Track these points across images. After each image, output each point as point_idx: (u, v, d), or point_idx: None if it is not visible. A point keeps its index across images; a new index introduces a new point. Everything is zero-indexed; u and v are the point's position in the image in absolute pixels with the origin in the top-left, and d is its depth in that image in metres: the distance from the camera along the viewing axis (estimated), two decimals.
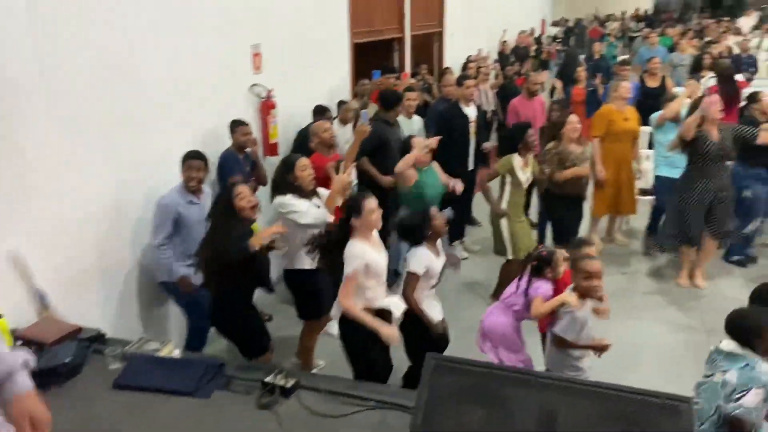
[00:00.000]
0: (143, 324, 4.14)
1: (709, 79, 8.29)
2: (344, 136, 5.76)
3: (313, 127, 4.89)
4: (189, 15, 4.42)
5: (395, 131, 5.46)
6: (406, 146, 4.67)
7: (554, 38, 19.77)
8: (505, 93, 8.80)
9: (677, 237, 5.32)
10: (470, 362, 2.22)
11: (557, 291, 3.44)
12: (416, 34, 9.51)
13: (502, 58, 12.55)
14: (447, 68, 9.34)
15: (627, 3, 24.01)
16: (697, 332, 4.69)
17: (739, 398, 2.50)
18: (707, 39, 13.71)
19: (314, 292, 3.98)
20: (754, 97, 5.74)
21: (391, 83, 6.95)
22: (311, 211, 3.79)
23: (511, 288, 3.60)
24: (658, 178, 6.01)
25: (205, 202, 3.98)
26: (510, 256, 4.91)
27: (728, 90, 7.14)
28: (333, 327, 4.55)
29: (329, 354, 4.22)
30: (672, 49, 11.66)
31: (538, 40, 16.98)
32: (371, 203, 3.27)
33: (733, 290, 5.26)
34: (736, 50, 11.31)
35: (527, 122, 5.31)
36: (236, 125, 4.68)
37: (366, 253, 3.22)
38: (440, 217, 3.63)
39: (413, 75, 8.19)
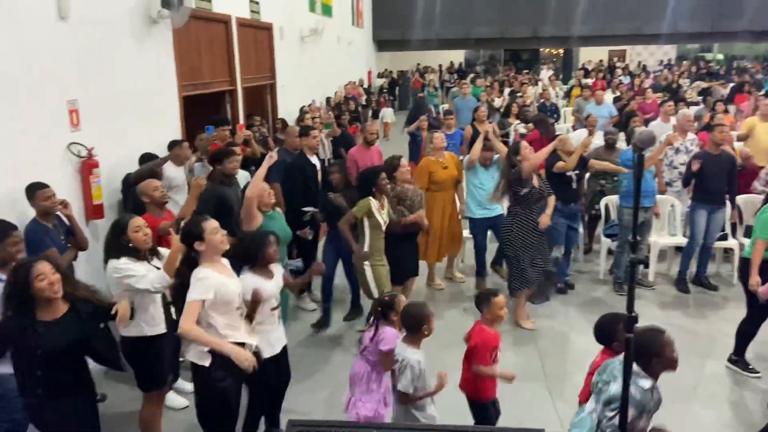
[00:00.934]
0: None
1: (517, 125, 9.26)
2: (179, 179, 5.52)
3: (141, 186, 4.51)
4: None
5: (234, 189, 5.27)
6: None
7: (381, 89, 20.86)
8: (341, 142, 9.05)
9: (520, 287, 5.54)
10: (329, 423, 2.19)
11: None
12: (248, 86, 9.47)
13: (335, 108, 12.93)
14: (282, 119, 9.40)
15: (442, 57, 26.15)
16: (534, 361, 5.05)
17: (613, 416, 2.59)
18: (511, 89, 15.35)
19: (154, 360, 3.68)
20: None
21: (226, 135, 6.81)
22: (150, 275, 3.52)
23: (368, 334, 3.62)
24: (471, 220, 6.37)
25: None
26: (374, 297, 4.93)
27: (546, 132, 8.06)
28: (174, 400, 4.27)
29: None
30: (480, 99, 12.81)
31: (367, 91, 17.78)
32: (212, 223, 3.16)
33: (560, 315, 5.80)
34: (532, 99, 12.76)
35: (380, 166, 5.48)
36: (33, 190, 4.11)
37: (212, 277, 3.09)
38: (275, 245, 3.61)
39: (248, 126, 8.11)
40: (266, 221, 4.47)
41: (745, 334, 4.75)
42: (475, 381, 3.53)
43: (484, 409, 3.58)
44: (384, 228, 4.97)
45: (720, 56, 28.23)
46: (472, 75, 19.67)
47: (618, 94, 13.69)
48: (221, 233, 3.19)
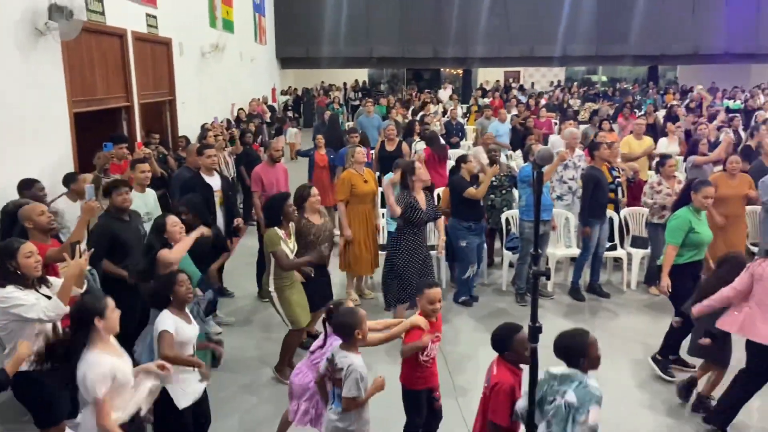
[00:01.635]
0: None
1: (418, 143, 9.47)
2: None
3: (24, 210, 4.12)
4: None
5: (131, 224, 4.85)
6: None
7: (285, 106, 20.70)
8: (245, 159, 8.89)
9: (406, 298, 5.63)
10: None
11: None
12: (145, 103, 9.10)
13: (239, 125, 12.67)
14: (185, 137, 9.11)
15: (346, 75, 26.38)
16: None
17: (585, 420, 2.70)
18: (413, 108, 15.74)
19: (47, 395, 3.41)
20: (463, 159, 6.69)
21: (124, 153, 6.49)
22: (41, 303, 3.28)
23: (317, 343, 3.61)
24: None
25: None
26: (290, 327, 4.83)
27: (438, 150, 8.27)
28: None
29: None
30: (386, 117, 13.06)
31: (271, 108, 17.58)
32: (111, 302, 2.99)
33: (467, 328, 5.95)
34: (441, 118, 13.16)
35: (285, 192, 5.34)
36: None
37: (111, 365, 2.88)
38: (186, 283, 3.51)
39: (146, 144, 7.78)
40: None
41: (675, 336, 5.03)
42: (407, 370, 3.64)
43: (416, 397, 3.70)
44: (292, 257, 4.79)
45: (604, 78, 30.38)
46: (378, 93, 20.00)
47: (516, 112, 14.39)
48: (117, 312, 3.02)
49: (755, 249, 6.87)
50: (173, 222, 4.35)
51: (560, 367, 2.89)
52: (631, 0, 19.76)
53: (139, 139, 8.47)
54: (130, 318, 3.91)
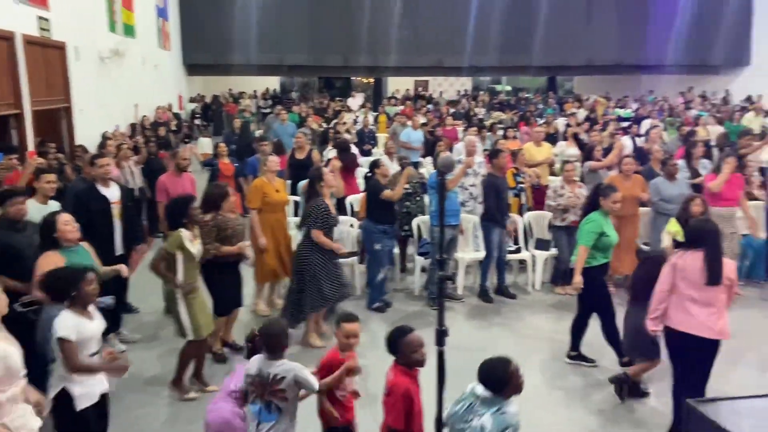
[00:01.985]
0: None
1: (329, 151, 9.49)
2: None
3: None
4: None
5: (25, 235, 4.52)
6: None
7: (193, 114, 20.10)
8: (151, 169, 8.55)
9: (317, 307, 5.64)
10: None
11: None
12: (39, 110, 8.56)
13: (143, 133, 12.17)
14: (81, 146, 8.66)
15: (257, 82, 25.97)
16: None
17: None
18: (327, 116, 15.75)
19: None
20: (376, 164, 6.77)
21: (14, 164, 6.07)
22: None
23: (239, 372, 3.49)
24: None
25: None
26: (191, 337, 4.67)
27: (347, 159, 8.29)
28: None
29: None
30: (300, 124, 12.99)
31: (177, 116, 17.01)
32: None
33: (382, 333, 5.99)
34: (353, 126, 13.23)
35: (189, 194, 5.23)
36: None
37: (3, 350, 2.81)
38: (94, 282, 3.38)
39: (42, 154, 7.30)
40: (69, 257, 4.05)
41: (579, 329, 5.36)
42: (325, 407, 3.50)
43: None
44: (198, 259, 4.76)
45: (508, 88, 31.65)
46: (289, 101, 19.79)
47: (425, 120, 14.70)
48: None
49: (646, 248, 7.36)
50: (65, 220, 4.13)
51: (485, 390, 2.93)
52: (534, 13, 20.72)
53: (31, 148, 7.96)
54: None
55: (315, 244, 5.56)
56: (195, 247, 4.70)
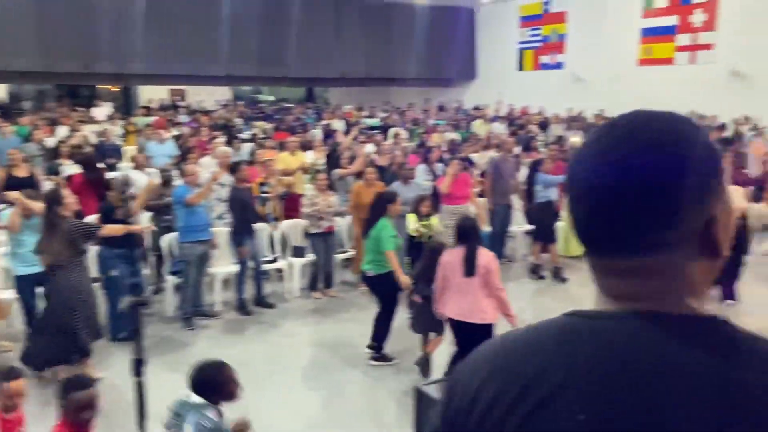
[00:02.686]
0: None
1: (70, 167, 8.52)
2: None
3: None
4: None
5: None
6: None
7: None
8: None
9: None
10: None
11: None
12: None
13: None
14: None
15: None
16: None
17: None
18: (61, 128, 14.11)
19: None
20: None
21: None
22: None
23: None
24: (18, 278, 5.63)
25: None
26: None
27: (94, 177, 7.51)
28: None
29: None
30: (29, 138, 11.40)
31: None
32: None
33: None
34: (94, 139, 12.00)
35: None
36: None
37: None
38: None
39: None
40: None
41: (385, 324, 5.55)
42: None
43: None
44: None
45: (271, 98, 31.76)
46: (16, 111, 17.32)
47: (178, 132, 14.00)
48: None
49: None
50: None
51: (195, 397, 2.80)
52: (285, 28, 21.10)
53: None
54: None
55: (64, 274, 4.91)
56: None
